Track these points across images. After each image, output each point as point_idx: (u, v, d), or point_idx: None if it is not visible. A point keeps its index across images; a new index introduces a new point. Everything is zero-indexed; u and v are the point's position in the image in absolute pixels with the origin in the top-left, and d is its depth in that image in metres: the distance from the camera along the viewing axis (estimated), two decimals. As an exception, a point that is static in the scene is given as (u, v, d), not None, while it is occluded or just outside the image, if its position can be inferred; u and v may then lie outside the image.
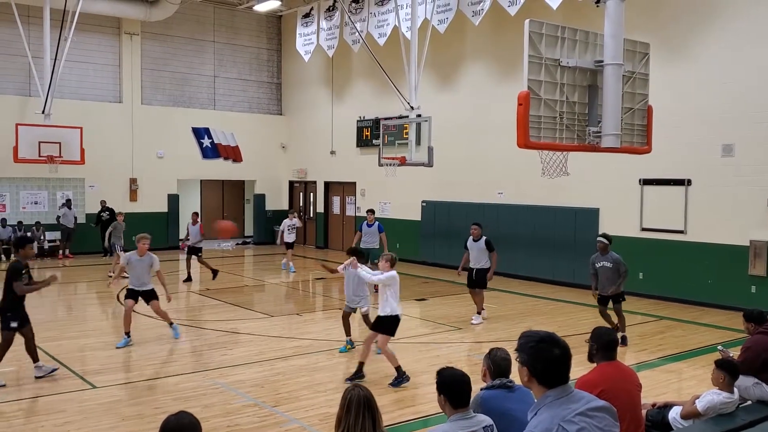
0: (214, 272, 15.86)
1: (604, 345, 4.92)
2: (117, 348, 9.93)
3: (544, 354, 3.01)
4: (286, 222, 17.91)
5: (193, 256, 16.27)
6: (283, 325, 11.85)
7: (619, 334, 9.88)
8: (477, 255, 12.00)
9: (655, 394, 7.12)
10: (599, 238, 10.65)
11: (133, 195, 22.02)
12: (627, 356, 9.71)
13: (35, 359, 8.38)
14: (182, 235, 16.68)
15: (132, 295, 10.38)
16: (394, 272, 8.38)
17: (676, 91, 13.31)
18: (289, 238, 17.78)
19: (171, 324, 10.61)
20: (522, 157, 10.78)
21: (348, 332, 9.85)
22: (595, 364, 4.94)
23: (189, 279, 16.16)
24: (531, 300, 14.33)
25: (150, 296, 10.44)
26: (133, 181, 22.03)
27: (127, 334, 10.23)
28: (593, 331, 5.06)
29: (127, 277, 10.67)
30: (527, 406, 3.95)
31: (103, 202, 21.05)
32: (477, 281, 12.03)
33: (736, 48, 12.89)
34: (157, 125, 22.31)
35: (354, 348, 9.76)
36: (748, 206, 12.72)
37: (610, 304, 10.50)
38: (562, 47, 7.13)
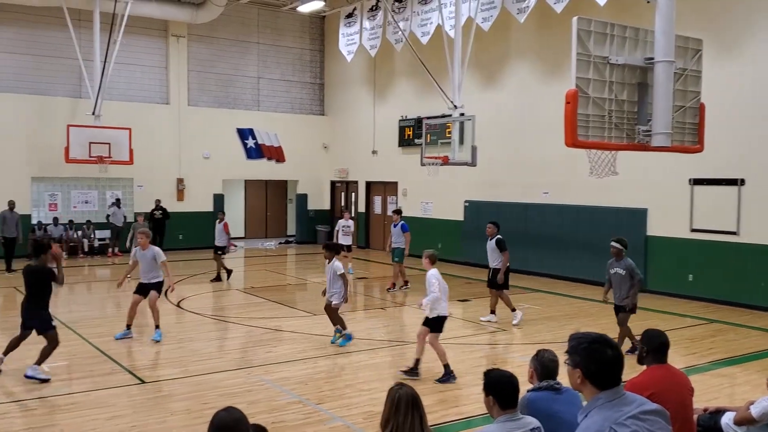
0: (229, 272, 16.29)
1: (655, 347, 4.83)
2: (115, 339, 10.20)
3: (598, 355, 2.97)
4: (341, 222, 17.53)
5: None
6: (325, 324, 11.88)
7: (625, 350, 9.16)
8: (490, 254, 12.07)
9: (706, 399, 6.94)
10: (612, 243, 9.93)
11: (180, 195, 22.41)
12: (676, 360, 9.47)
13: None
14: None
15: (140, 289, 10.51)
16: (434, 271, 8.40)
17: (729, 88, 12.95)
18: (345, 240, 17.05)
19: (157, 327, 10.39)
20: (568, 156, 10.62)
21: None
22: (645, 367, 4.84)
23: (219, 278, 16.27)
24: (577, 302, 14.12)
25: (154, 288, 10.47)
26: (180, 181, 22.42)
27: (128, 326, 10.43)
28: (644, 333, 4.97)
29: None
30: (575, 408, 3.90)
31: (157, 201, 21.48)
32: (490, 281, 12.02)
33: (791, 43, 12.49)
34: (203, 126, 22.67)
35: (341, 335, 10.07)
36: (804, 207, 12.31)
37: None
38: (611, 45, 7.00)
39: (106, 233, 21.09)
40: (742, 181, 13.25)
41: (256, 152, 23.98)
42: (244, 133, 23.72)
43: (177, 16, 21.56)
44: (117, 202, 20.97)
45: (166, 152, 22.05)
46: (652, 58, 7.14)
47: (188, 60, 22.72)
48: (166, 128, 22.10)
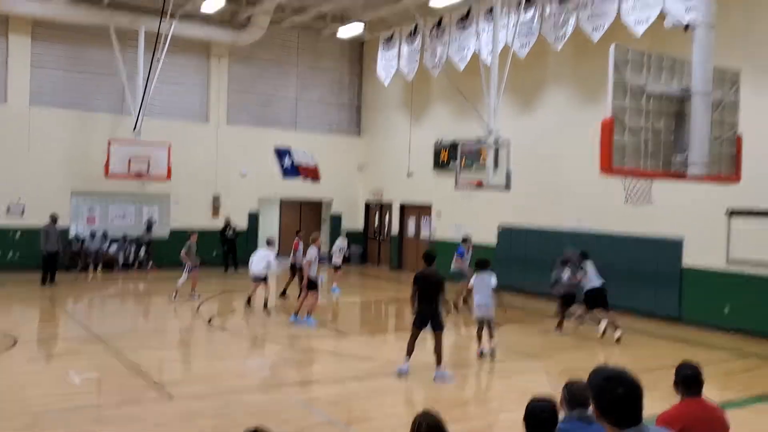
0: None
1: (684, 379, 4.73)
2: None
3: (608, 393, 2.94)
4: (338, 243, 18.02)
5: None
6: (356, 345, 11.93)
7: None
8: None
9: (741, 436, 6.77)
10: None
11: (215, 212, 22.74)
12: (711, 394, 9.27)
13: None
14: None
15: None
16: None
17: (768, 119, 12.77)
18: (337, 260, 17.74)
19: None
20: (603, 184, 10.55)
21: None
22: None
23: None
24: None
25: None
26: (216, 198, 22.76)
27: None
28: (678, 366, 4.88)
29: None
30: (605, 440, 3.86)
31: (228, 219, 21.84)
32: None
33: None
34: (240, 144, 23.03)
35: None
36: None
37: None
38: (647, 74, 7.01)
39: (142, 249, 21.42)
40: (782, 213, 13.00)
41: (293, 171, 24.18)
42: (281, 152, 23.95)
43: (220, 37, 22.05)
44: (149, 225, 21.33)
45: (203, 169, 22.42)
46: (689, 89, 7.11)
47: (228, 79, 23.17)
48: (204, 146, 22.51)
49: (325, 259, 18.67)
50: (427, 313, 9.47)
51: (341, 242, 18.25)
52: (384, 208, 24.79)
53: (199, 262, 16.15)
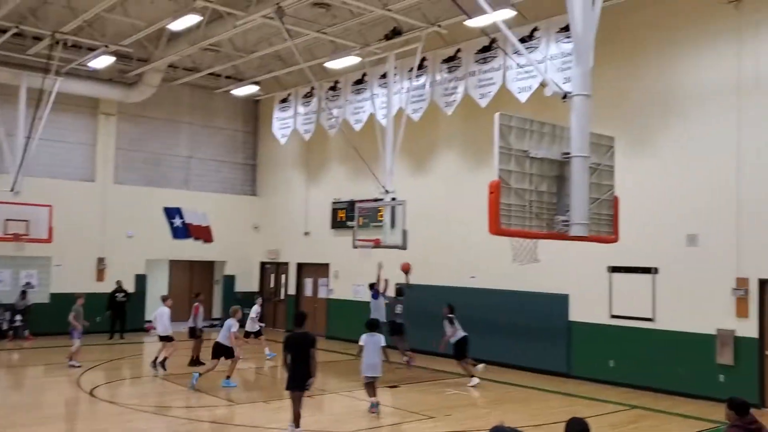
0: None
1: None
2: None
3: None
4: (256, 309, 17.29)
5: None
6: (248, 413, 11.52)
7: None
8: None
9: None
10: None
11: (100, 275, 21.66)
12: (599, 447, 9.56)
13: None
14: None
15: None
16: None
17: (641, 182, 13.69)
18: (255, 326, 17.00)
19: None
20: (494, 242, 10.90)
21: None
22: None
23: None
24: (503, 387, 14.15)
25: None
26: (100, 260, 21.72)
27: None
28: (567, 422, 5.00)
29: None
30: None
31: (119, 283, 20.78)
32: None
33: (697, 141, 13.38)
34: (128, 204, 22.23)
35: None
36: (713, 295, 12.90)
37: None
38: (530, 139, 7.37)
39: (18, 315, 19.99)
40: (656, 270, 13.84)
41: (183, 232, 23.59)
42: (171, 212, 23.37)
43: (108, 95, 21.45)
44: (24, 292, 20.01)
45: (88, 230, 21.41)
46: (569, 153, 7.53)
47: (117, 137, 22.46)
48: (89, 206, 21.56)
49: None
50: (302, 373, 9.47)
51: (258, 308, 17.38)
52: (280, 268, 24.47)
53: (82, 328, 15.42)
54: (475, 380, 14.09)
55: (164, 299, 15.70)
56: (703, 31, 13.32)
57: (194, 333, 15.92)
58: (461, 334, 14.48)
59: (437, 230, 18.10)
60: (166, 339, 15.07)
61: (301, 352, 9.51)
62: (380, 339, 11.39)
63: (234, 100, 24.62)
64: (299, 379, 9.45)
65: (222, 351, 13.52)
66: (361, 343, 11.38)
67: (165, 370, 14.73)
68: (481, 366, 14.55)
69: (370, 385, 11.38)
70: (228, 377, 13.45)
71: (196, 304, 16.20)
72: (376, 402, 11.32)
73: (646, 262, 13.95)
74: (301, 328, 9.82)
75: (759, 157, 12.46)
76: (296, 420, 9.52)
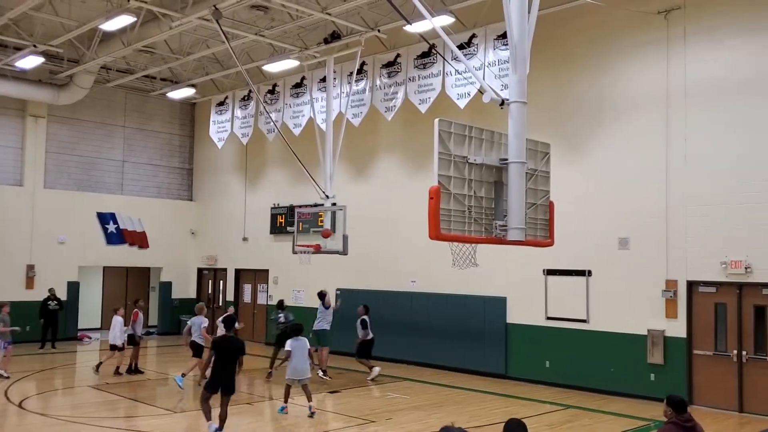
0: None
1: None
2: None
3: None
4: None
5: None
6: (187, 423, 11.29)
7: None
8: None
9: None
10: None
11: (30, 282, 20.86)
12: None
13: None
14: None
15: None
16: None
17: (575, 187, 14.06)
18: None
19: None
20: (434, 247, 11.00)
21: None
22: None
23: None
24: (444, 390, 14.29)
25: None
26: (30, 267, 20.92)
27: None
28: (505, 423, 5.08)
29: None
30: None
31: (51, 290, 20.03)
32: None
33: (628, 146, 13.84)
34: (60, 210, 21.50)
35: None
36: (644, 297, 13.35)
37: None
38: (469, 145, 7.47)
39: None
40: (590, 272, 14.24)
41: (118, 237, 22.97)
42: (104, 218, 22.71)
43: (37, 96, 20.69)
44: None
45: (15, 236, 20.60)
46: (506, 159, 7.67)
47: (47, 141, 21.71)
48: (17, 211, 20.75)
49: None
50: (223, 377, 9.69)
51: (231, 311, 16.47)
52: (218, 274, 24.08)
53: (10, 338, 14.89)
54: (377, 369, 15.15)
55: (116, 310, 15.76)
56: (635, 41, 13.80)
57: (133, 340, 15.55)
58: (370, 336, 15.36)
59: (378, 235, 18.16)
60: (114, 348, 15.31)
61: (231, 357, 9.76)
62: (306, 343, 11.72)
63: (170, 103, 24.14)
64: (227, 383, 9.68)
65: (200, 349, 13.97)
66: (288, 348, 11.64)
67: (98, 373, 15.11)
68: (378, 368, 15.28)
69: (303, 388, 11.68)
70: (183, 375, 13.77)
71: (135, 310, 15.86)
72: (285, 405, 11.76)
73: (580, 265, 14.34)
74: (229, 333, 10.10)
75: (686, 163, 12.98)
76: (221, 422, 9.71)
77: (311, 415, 11.43)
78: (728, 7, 12.68)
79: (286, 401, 11.76)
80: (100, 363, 15.53)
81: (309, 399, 11.57)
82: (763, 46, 12.25)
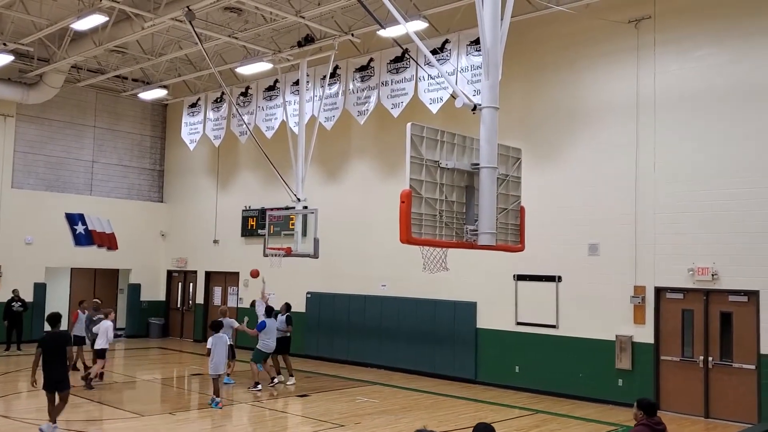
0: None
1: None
2: None
3: None
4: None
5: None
6: (155, 426, 11.14)
7: None
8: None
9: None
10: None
11: (-5, 283, 20.46)
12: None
13: None
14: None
15: None
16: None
17: (546, 193, 14.19)
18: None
19: None
20: (404, 251, 11.02)
21: None
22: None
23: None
24: (413, 394, 14.29)
25: None
26: (-5, 268, 20.52)
27: None
28: (474, 428, 5.10)
29: None
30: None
31: (15, 291, 19.62)
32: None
33: (598, 153, 14.00)
34: (27, 210, 21.11)
35: None
36: (613, 303, 13.50)
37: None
38: (441, 150, 7.50)
39: None
40: (560, 278, 14.37)
41: (86, 239, 22.62)
42: (73, 218, 22.36)
43: (5, 95, 20.29)
44: None
45: (-19, 237, 20.19)
46: (478, 164, 7.71)
47: (15, 140, 21.32)
48: (-17, 211, 20.35)
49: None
50: (55, 375, 9.86)
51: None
52: (188, 276, 23.83)
53: None
54: (280, 377, 15.09)
55: (107, 314, 14.94)
56: (606, 49, 13.99)
57: (78, 340, 15.30)
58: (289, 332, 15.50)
59: (349, 239, 18.13)
60: (101, 354, 14.18)
61: (56, 352, 9.94)
62: (226, 339, 12.83)
63: (141, 104, 23.87)
64: (55, 380, 9.86)
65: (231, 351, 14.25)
66: (208, 346, 12.41)
67: (96, 382, 14.36)
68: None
69: (215, 382, 12.49)
70: (228, 374, 14.44)
71: (76, 311, 15.81)
72: (220, 399, 12.41)
73: (550, 270, 14.45)
74: (54, 329, 10.26)
75: (655, 169, 13.17)
76: (52, 417, 10.03)
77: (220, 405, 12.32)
78: (697, 17, 12.91)
79: (218, 394, 12.48)
80: (89, 374, 14.24)
81: (217, 391, 12.53)
82: (731, 56, 12.49)
